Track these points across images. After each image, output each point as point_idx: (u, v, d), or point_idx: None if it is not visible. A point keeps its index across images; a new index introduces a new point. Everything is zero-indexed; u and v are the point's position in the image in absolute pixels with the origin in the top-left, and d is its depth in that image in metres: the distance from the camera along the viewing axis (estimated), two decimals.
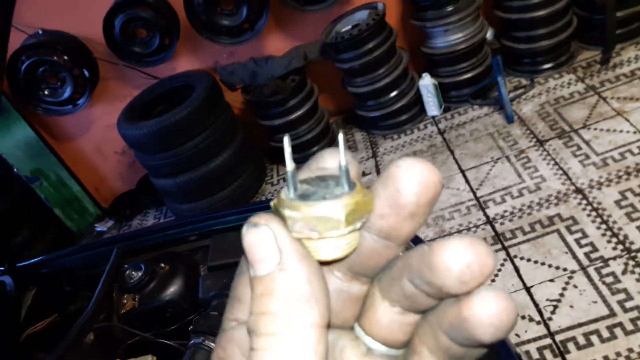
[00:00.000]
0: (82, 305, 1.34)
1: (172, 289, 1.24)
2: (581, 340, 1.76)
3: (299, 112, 2.95)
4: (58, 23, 2.86)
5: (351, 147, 3.17)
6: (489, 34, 3.00)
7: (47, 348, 1.24)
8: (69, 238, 3.33)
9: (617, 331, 1.73)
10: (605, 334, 1.74)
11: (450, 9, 2.74)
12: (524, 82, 3.00)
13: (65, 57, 2.77)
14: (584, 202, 2.20)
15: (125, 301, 1.26)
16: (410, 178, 0.23)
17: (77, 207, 3.41)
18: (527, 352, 1.79)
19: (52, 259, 1.49)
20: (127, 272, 1.27)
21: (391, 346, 0.27)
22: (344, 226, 0.24)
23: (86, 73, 2.83)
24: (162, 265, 1.29)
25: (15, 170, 3.16)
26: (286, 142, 0.25)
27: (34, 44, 2.77)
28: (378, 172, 2.88)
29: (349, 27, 2.80)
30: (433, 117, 3.09)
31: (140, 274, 1.26)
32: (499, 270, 2.09)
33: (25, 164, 3.18)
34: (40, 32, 2.86)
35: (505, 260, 2.12)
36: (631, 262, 1.90)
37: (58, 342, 1.10)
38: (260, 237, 0.23)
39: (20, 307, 1.32)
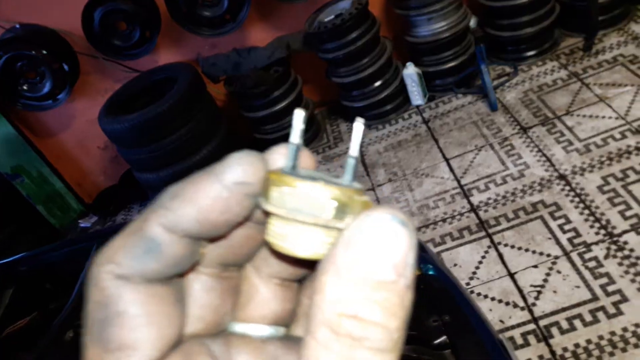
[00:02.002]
0: (62, 303, 1.32)
1: None
2: (564, 325, 1.77)
3: (283, 104, 2.93)
4: (36, 17, 2.81)
5: (336, 138, 3.16)
6: (472, 22, 2.99)
7: (26, 347, 1.22)
8: (52, 235, 3.30)
9: (600, 315, 1.75)
10: (588, 317, 1.76)
11: None
12: (507, 69, 3.01)
13: (44, 52, 2.72)
14: (567, 188, 2.21)
15: None
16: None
17: (59, 204, 3.37)
18: (512, 338, 1.80)
19: (31, 256, 1.47)
20: None
21: (278, 323, 0.26)
22: (340, 216, 0.21)
23: (66, 67, 2.78)
24: None
25: None
26: (299, 114, 0.23)
27: (11, 38, 2.72)
28: (363, 162, 2.87)
29: (332, 16, 2.78)
30: (417, 107, 3.08)
31: None
32: (483, 257, 2.11)
33: (5, 161, 3.14)
34: (18, 26, 2.80)
35: (489, 247, 2.13)
36: (613, 247, 1.92)
37: (38, 340, 1.09)
38: (409, 240, 0.19)
39: None
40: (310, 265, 0.25)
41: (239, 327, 0.25)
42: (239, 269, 0.26)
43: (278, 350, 0.24)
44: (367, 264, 0.18)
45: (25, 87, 2.82)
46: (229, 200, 0.21)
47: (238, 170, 0.22)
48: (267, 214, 0.23)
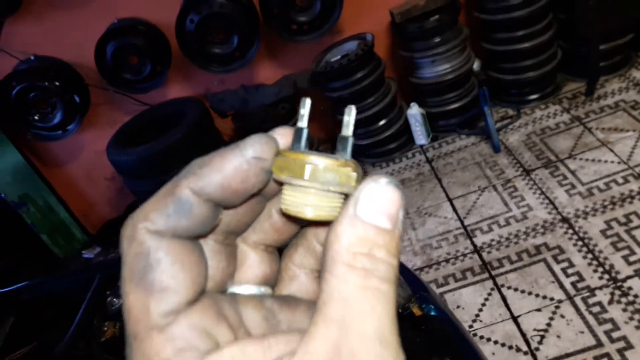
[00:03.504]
0: (62, 333, 1.32)
1: None
2: None
3: None
4: (51, 49, 2.88)
5: None
6: (476, 65, 3.05)
7: None
8: (55, 264, 3.29)
9: None
10: None
11: (437, 40, 2.80)
12: (510, 112, 3.05)
13: (57, 83, 2.78)
14: (570, 231, 2.21)
15: (106, 329, 1.24)
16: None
17: (64, 234, 3.38)
18: None
19: (33, 285, 1.47)
20: (109, 299, 1.26)
21: (266, 284, 0.30)
22: (307, 178, 0.25)
23: (77, 99, 2.84)
24: None
25: (2, 195, 3.14)
26: (306, 102, 0.28)
27: (25, 69, 2.79)
28: None
29: (339, 57, 2.85)
30: (421, 146, 3.12)
31: (122, 301, 1.24)
32: (486, 299, 2.09)
33: (13, 189, 3.16)
34: (33, 57, 2.88)
35: (492, 289, 2.12)
36: (617, 292, 1.91)
37: None
38: (401, 199, 0.25)
39: None
40: (316, 225, 0.30)
41: (234, 289, 0.29)
42: (235, 238, 0.30)
43: (274, 305, 0.28)
44: (372, 216, 0.24)
45: (36, 117, 2.87)
46: (248, 172, 0.25)
47: (257, 147, 0.26)
48: (280, 184, 0.27)
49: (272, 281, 0.31)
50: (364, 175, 0.26)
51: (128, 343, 0.24)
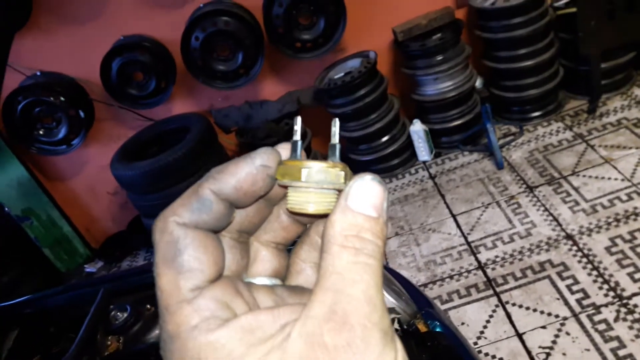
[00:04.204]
0: (65, 347, 1.31)
1: (158, 331, 1.22)
2: None
3: None
4: (57, 65, 2.91)
5: None
6: (478, 83, 3.08)
7: None
8: (57, 279, 3.28)
9: None
10: None
11: (439, 58, 2.82)
12: (513, 129, 3.06)
13: (62, 98, 2.80)
14: (575, 248, 2.20)
15: (109, 343, 1.23)
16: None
17: (67, 248, 3.37)
18: None
19: (36, 299, 1.46)
20: (113, 313, 1.25)
21: (277, 277, 0.35)
22: (304, 180, 0.30)
23: (82, 114, 2.86)
24: (148, 306, 1.27)
25: (5, 209, 3.14)
26: (297, 120, 0.34)
27: (31, 84, 2.81)
28: None
29: (342, 74, 2.87)
30: (424, 162, 3.12)
31: (125, 315, 1.24)
32: (491, 316, 2.07)
33: (16, 203, 3.17)
34: (39, 73, 2.91)
35: (497, 306, 2.10)
36: (623, 310, 1.89)
37: None
38: (383, 192, 0.30)
39: (1, 348, 1.29)
40: (316, 218, 0.34)
41: (249, 280, 0.34)
42: (248, 237, 0.35)
43: (284, 293, 0.33)
44: (360, 206, 0.28)
45: (41, 132, 2.89)
46: (257, 176, 0.30)
47: (264, 157, 0.31)
48: (285, 188, 0.32)
49: (282, 275, 0.36)
50: (352, 174, 0.31)
51: (161, 314, 0.29)
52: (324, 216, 0.31)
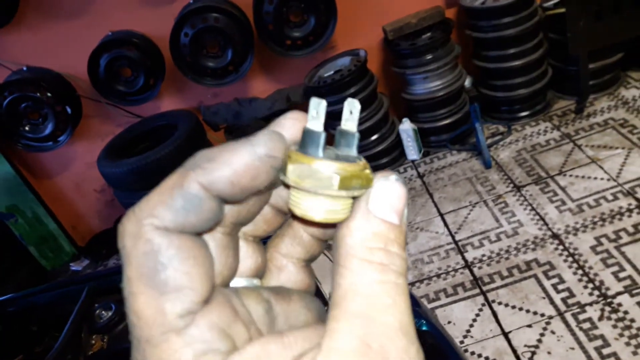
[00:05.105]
0: (48, 346, 1.29)
1: None
2: None
3: None
4: (43, 60, 2.88)
5: None
6: (467, 82, 3.09)
7: None
8: (42, 277, 3.24)
9: None
10: None
11: (429, 57, 2.83)
12: (501, 129, 3.08)
13: (49, 94, 2.77)
14: (561, 247, 2.22)
15: (93, 342, 1.22)
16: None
17: (52, 246, 3.34)
18: None
19: (19, 297, 1.45)
20: (97, 311, 1.24)
21: (256, 276, 0.29)
22: (336, 188, 0.24)
23: (69, 110, 2.83)
24: None
25: None
26: (318, 103, 0.26)
27: (17, 80, 2.77)
28: None
29: (332, 72, 2.87)
30: (413, 161, 3.13)
31: (110, 313, 1.23)
32: (477, 315, 2.08)
33: (1, 200, 3.13)
34: (25, 68, 2.87)
35: (483, 305, 2.12)
36: (607, 308, 1.91)
37: None
38: (407, 195, 0.25)
39: None
40: (322, 226, 0.29)
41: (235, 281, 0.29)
42: (237, 232, 0.29)
43: (270, 296, 0.27)
44: (383, 211, 0.24)
45: (27, 128, 2.86)
46: (259, 169, 0.24)
47: (269, 144, 0.24)
48: (287, 186, 0.26)
49: (262, 273, 0.30)
50: (365, 175, 0.26)
51: (138, 349, 0.22)
52: (333, 225, 0.26)
